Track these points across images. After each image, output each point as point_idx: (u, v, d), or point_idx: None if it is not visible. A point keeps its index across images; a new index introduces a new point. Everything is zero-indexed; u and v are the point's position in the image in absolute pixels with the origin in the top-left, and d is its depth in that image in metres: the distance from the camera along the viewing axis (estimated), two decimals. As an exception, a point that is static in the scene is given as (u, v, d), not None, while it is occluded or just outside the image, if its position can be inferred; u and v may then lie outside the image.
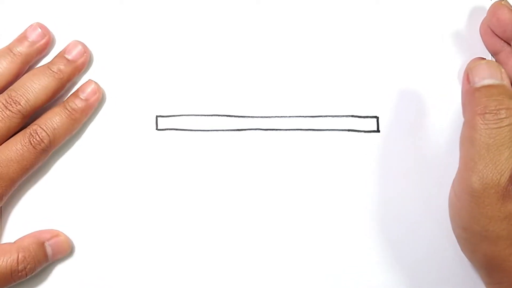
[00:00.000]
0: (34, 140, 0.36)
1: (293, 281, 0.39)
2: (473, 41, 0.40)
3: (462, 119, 0.40)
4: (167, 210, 0.39)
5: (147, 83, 0.40)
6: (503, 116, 0.32)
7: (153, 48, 0.40)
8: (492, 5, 0.37)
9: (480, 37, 0.40)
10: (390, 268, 0.39)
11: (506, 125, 0.32)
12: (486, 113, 0.33)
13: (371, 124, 0.40)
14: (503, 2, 0.35)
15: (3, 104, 0.37)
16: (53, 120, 0.37)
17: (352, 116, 0.40)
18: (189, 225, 0.39)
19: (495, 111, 0.32)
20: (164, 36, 0.40)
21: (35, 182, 0.39)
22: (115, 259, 0.39)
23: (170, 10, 0.40)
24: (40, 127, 0.37)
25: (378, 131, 0.40)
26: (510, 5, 0.36)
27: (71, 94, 0.39)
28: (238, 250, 0.39)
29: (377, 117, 0.40)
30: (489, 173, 0.32)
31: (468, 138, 0.33)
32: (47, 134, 0.37)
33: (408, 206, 0.39)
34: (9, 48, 0.38)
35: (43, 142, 0.37)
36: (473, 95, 0.34)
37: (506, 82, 0.34)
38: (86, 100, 0.38)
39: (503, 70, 0.35)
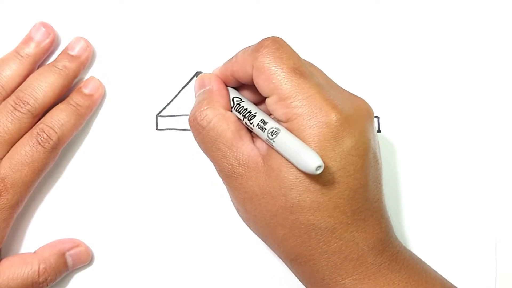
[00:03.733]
0: (42, 138, 0.36)
1: (293, 281, 0.39)
2: (473, 40, 0.40)
3: (463, 120, 0.40)
4: (167, 210, 0.39)
5: (148, 83, 0.40)
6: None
7: (153, 48, 0.40)
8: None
9: (480, 36, 0.40)
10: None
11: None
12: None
13: (372, 124, 0.40)
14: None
15: (12, 106, 0.37)
16: (59, 117, 0.37)
17: (353, 116, 0.40)
18: (190, 225, 0.39)
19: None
20: (165, 36, 0.40)
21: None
22: (116, 257, 0.39)
23: (170, 10, 0.40)
24: (46, 125, 0.37)
25: (379, 131, 0.40)
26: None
27: (74, 91, 0.39)
28: (239, 249, 0.39)
29: (378, 117, 0.40)
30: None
31: None
32: (55, 131, 0.37)
33: (408, 206, 0.39)
34: (17, 51, 0.38)
35: (51, 139, 0.36)
36: None
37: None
38: (90, 95, 0.39)
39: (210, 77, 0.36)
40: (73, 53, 0.39)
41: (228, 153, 0.32)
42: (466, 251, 0.39)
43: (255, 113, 0.33)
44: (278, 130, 0.30)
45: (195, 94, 0.36)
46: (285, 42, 0.32)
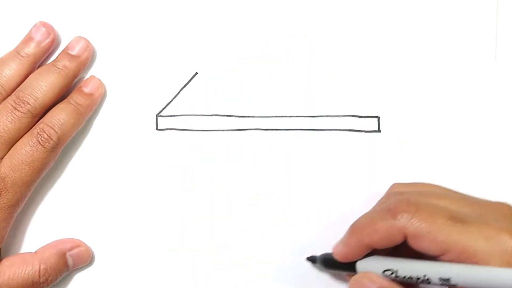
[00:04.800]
0: (42, 138, 0.36)
1: (293, 281, 0.39)
2: (473, 40, 0.40)
3: (463, 119, 0.40)
4: (167, 210, 0.39)
5: (148, 83, 0.40)
6: None
7: (153, 48, 0.40)
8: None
9: (481, 36, 0.40)
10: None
11: None
12: None
13: (372, 124, 0.40)
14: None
15: (12, 105, 0.37)
16: (59, 116, 0.37)
17: (353, 116, 0.40)
18: (190, 225, 0.39)
19: None
20: (165, 36, 0.40)
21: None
22: (116, 258, 0.39)
23: (170, 10, 0.40)
24: (46, 125, 0.37)
25: (379, 131, 0.40)
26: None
27: (74, 90, 0.39)
28: (238, 249, 0.39)
29: (378, 117, 0.40)
30: None
31: None
32: (55, 131, 0.37)
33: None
34: (17, 51, 0.38)
35: (51, 139, 0.36)
36: None
37: None
38: (91, 94, 0.39)
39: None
40: (73, 52, 0.39)
41: None
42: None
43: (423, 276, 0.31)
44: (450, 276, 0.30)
45: None
46: (418, 199, 0.32)
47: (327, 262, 0.36)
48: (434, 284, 0.31)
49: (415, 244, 0.31)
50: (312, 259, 0.38)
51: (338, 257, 0.35)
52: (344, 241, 0.34)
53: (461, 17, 0.40)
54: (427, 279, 0.31)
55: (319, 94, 0.40)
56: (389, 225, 0.32)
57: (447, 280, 0.31)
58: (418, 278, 0.32)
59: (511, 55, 0.40)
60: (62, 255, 0.38)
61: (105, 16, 0.40)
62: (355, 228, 0.34)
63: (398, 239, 0.32)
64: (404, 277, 0.32)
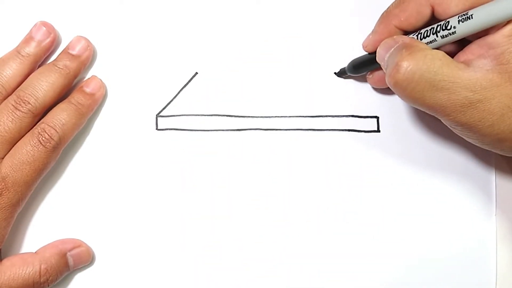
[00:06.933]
0: (43, 138, 0.36)
1: (293, 279, 0.39)
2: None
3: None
4: (167, 210, 0.39)
5: (148, 83, 0.40)
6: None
7: (153, 48, 0.40)
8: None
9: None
10: (389, 267, 0.39)
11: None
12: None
13: (371, 124, 0.40)
14: None
15: (12, 105, 0.37)
16: (61, 116, 0.37)
17: (352, 116, 0.40)
18: (190, 225, 0.39)
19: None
20: (165, 36, 0.40)
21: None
22: (116, 258, 0.39)
23: (171, 10, 0.40)
24: (47, 125, 0.37)
25: (378, 131, 0.40)
26: None
27: (76, 90, 0.39)
28: (238, 249, 0.39)
29: (377, 117, 0.40)
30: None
31: None
32: (56, 131, 0.37)
33: (408, 206, 0.39)
34: (17, 51, 0.38)
35: (52, 139, 0.37)
36: None
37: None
38: (92, 94, 0.39)
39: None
40: (74, 52, 0.39)
41: (454, 88, 0.30)
42: (466, 249, 0.39)
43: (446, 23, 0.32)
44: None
45: (384, 60, 0.33)
46: None
47: (356, 65, 0.38)
48: (454, 26, 0.31)
49: (443, 11, 0.32)
50: (340, 72, 0.40)
51: (368, 46, 0.36)
52: (373, 30, 0.36)
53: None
54: (447, 22, 0.32)
55: (319, 94, 0.40)
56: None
57: (467, 15, 0.31)
58: (439, 26, 0.32)
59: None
60: (63, 255, 0.38)
61: (105, 16, 0.40)
62: (384, 13, 0.35)
63: (426, 12, 0.33)
64: (426, 31, 0.33)
